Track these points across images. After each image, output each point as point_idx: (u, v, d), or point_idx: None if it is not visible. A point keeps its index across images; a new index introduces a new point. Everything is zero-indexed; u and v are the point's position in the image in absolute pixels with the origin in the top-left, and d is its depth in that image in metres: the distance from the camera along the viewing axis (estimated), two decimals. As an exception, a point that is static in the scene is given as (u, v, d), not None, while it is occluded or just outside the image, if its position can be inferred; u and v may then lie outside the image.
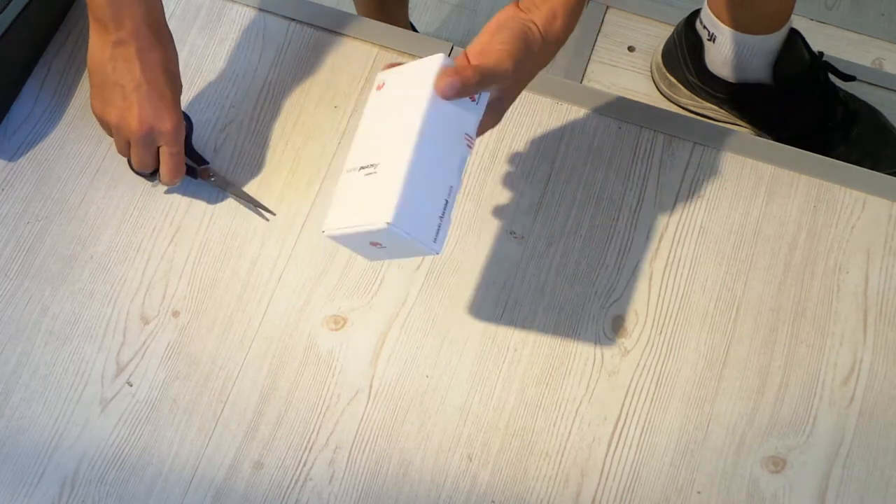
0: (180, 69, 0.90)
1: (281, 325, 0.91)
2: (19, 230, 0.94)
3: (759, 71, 1.16)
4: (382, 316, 0.91)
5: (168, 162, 0.91)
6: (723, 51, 1.16)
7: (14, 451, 0.87)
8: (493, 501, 0.86)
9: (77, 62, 1.01)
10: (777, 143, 0.99)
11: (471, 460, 0.87)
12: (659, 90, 1.27)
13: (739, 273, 0.93)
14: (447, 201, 0.73)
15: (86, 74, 1.00)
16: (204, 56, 1.01)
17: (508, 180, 0.96)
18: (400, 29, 1.03)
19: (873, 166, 1.10)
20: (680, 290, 0.92)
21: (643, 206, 0.95)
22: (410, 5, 1.47)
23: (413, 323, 0.91)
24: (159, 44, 0.87)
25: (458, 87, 0.72)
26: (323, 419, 0.88)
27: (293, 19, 1.02)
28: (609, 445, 0.87)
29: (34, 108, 0.99)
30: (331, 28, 1.02)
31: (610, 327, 0.91)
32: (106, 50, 0.86)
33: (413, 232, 0.70)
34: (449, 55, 1.00)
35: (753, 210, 0.95)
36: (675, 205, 0.95)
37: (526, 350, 0.90)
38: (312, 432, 0.88)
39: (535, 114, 0.98)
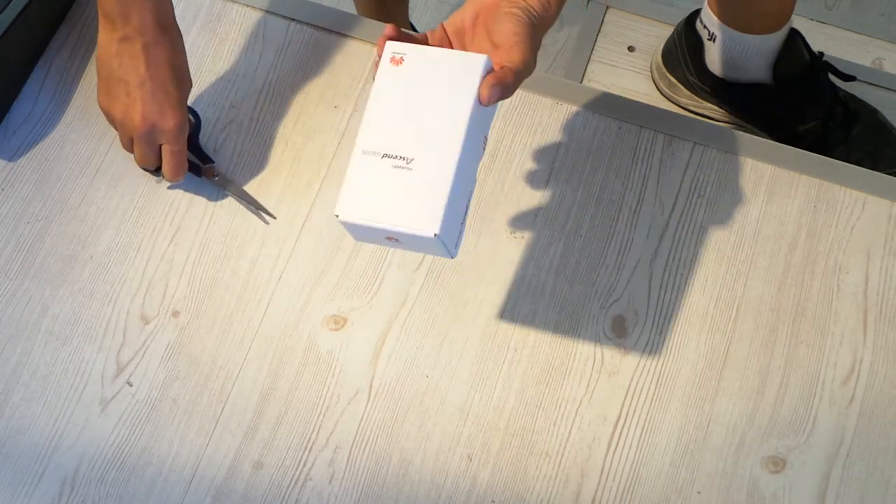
0: None
1: (281, 325, 0.91)
2: (19, 230, 0.94)
3: (760, 71, 1.16)
4: (382, 316, 0.91)
5: (170, 160, 0.91)
6: (723, 51, 1.16)
7: (14, 451, 0.87)
8: (493, 501, 0.86)
9: (77, 62, 1.01)
10: (777, 143, 0.99)
11: (471, 460, 0.87)
12: (659, 90, 1.27)
13: (739, 273, 0.93)
14: (467, 206, 0.73)
15: (86, 74, 1.00)
16: (204, 56, 1.01)
17: (508, 180, 0.96)
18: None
19: (873, 166, 1.10)
20: (680, 290, 0.92)
21: (643, 206, 0.95)
22: (410, 5, 1.47)
23: (413, 323, 0.91)
24: (166, 41, 0.87)
25: (500, 94, 0.70)
26: (323, 419, 0.88)
27: (293, 19, 1.02)
28: (609, 445, 0.87)
29: (34, 108, 0.99)
30: (331, 28, 1.02)
31: (610, 327, 0.91)
32: (113, 45, 0.86)
33: (447, 240, 0.70)
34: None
35: (753, 210, 0.95)
36: (675, 205, 0.95)
37: (526, 350, 0.90)
38: (312, 432, 0.88)
39: (535, 114, 0.98)
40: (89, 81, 1.00)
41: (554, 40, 1.32)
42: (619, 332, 0.91)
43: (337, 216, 0.71)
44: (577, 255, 0.93)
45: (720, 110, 1.23)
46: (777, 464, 0.87)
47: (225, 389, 0.89)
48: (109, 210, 0.95)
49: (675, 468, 0.87)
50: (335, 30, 1.02)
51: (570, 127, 0.98)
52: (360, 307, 0.91)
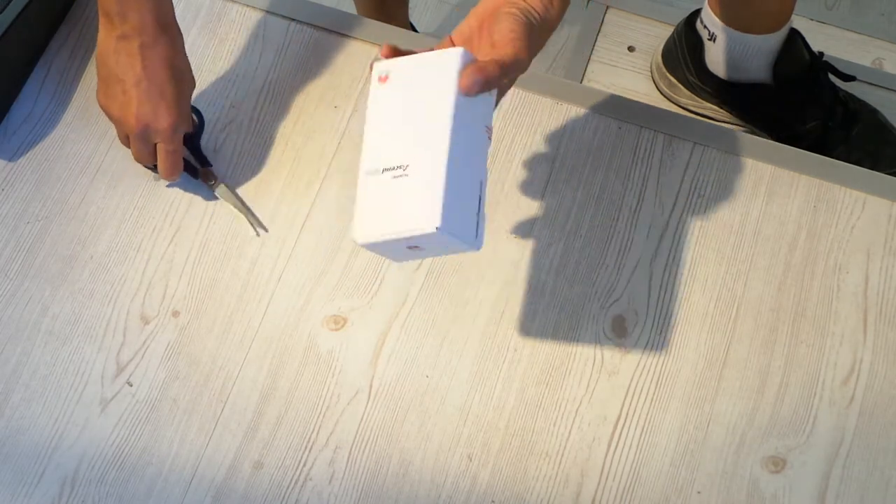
0: None
1: (281, 325, 0.91)
2: (19, 230, 0.94)
3: (760, 71, 1.16)
4: (382, 316, 0.91)
5: (164, 159, 0.90)
6: (723, 50, 1.16)
7: (14, 451, 0.87)
8: (493, 501, 0.86)
9: (77, 62, 1.01)
10: (777, 143, 0.99)
11: (471, 460, 0.87)
12: (659, 90, 1.27)
13: (739, 273, 0.93)
14: (480, 196, 0.73)
15: (86, 74, 1.00)
16: (204, 56, 1.01)
17: (508, 180, 0.96)
18: (400, 29, 1.04)
19: (873, 166, 1.10)
20: (680, 290, 0.92)
21: (643, 206, 0.95)
22: (410, 5, 1.47)
23: (413, 323, 0.91)
24: (164, 40, 0.87)
25: (483, 83, 0.71)
26: (323, 419, 0.88)
27: (293, 19, 1.02)
28: (609, 445, 0.87)
29: (34, 108, 0.99)
30: (331, 28, 1.02)
31: (610, 327, 0.91)
32: (111, 43, 0.87)
33: (458, 232, 0.70)
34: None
35: (753, 210, 0.95)
36: (675, 205, 0.95)
37: (526, 350, 0.90)
38: (312, 432, 0.88)
39: (535, 114, 0.98)
40: (89, 81, 1.00)
41: (554, 40, 1.32)
42: (619, 332, 0.90)
43: (356, 241, 0.72)
44: (577, 255, 0.93)
45: (720, 110, 1.23)
46: (777, 464, 0.87)
47: (225, 389, 0.89)
48: (109, 210, 0.95)
49: (675, 468, 0.87)
50: (335, 30, 1.02)
51: (570, 127, 0.98)
52: (360, 307, 0.91)
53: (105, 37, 0.87)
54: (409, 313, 0.91)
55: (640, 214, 0.94)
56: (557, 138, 0.97)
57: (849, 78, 1.19)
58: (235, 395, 0.89)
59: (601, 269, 0.93)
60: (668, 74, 1.25)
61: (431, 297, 0.92)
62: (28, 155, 0.97)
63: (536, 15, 0.74)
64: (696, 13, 1.19)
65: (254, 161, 0.97)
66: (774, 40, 1.13)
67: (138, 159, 0.92)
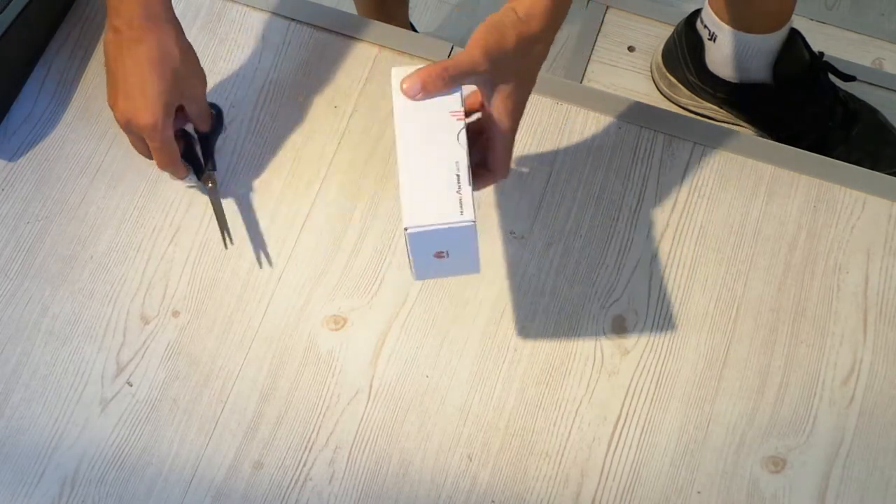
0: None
1: (281, 325, 0.91)
2: (19, 230, 0.94)
3: (760, 71, 1.16)
4: (382, 316, 0.91)
5: (154, 155, 0.90)
6: (723, 50, 1.16)
7: (14, 451, 0.87)
8: (493, 501, 0.86)
9: (77, 62, 1.01)
10: (777, 143, 0.99)
11: (471, 460, 0.87)
12: (659, 90, 1.27)
13: (739, 273, 0.93)
14: (458, 175, 0.73)
15: (86, 74, 1.01)
16: (204, 56, 1.01)
17: (508, 180, 0.95)
18: (400, 29, 1.03)
19: (873, 166, 1.10)
20: (680, 290, 0.92)
21: (643, 206, 0.95)
22: (410, 5, 1.47)
23: (413, 323, 0.91)
24: (151, 37, 0.85)
25: (419, 86, 0.73)
26: (323, 419, 0.88)
27: (293, 19, 1.02)
28: (609, 445, 0.87)
29: (34, 108, 0.99)
30: (331, 28, 1.02)
31: (610, 327, 0.91)
32: (108, 35, 0.87)
33: (434, 220, 0.71)
34: (449, 55, 1.00)
35: (753, 210, 0.95)
36: (675, 205, 0.95)
37: (526, 350, 0.90)
38: (312, 432, 0.88)
39: (535, 114, 0.98)
40: (89, 81, 1.00)
41: (554, 40, 1.32)
42: (619, 332, 0.90)
43: (406, 229, 0.73)
44: (577, 255, 0.93)
45: (720, 110, 1.23)
46: (777, 464, 0.87)
47: (225, 389, 0.89)
48: (109, 210, 0.95)
49: (675, 468, 0.87)
50: (335, 30, 1.02)
51: (569, 127, 0.98)
52: (360, 307, 0.91)
53: (107, 27, 0.88)
54: (409, 313, 0.91)
55: (640, 214, 0.94)
56: (557, 138, 0.97)
57: (849, 78, 1.19)
58: (235, 395, 0.89)
59: (601, 269, 0.93)
60: (668, 74, 1.25)
61: (431, 297, 0.92)
62: (28, 155, 0.97)
63: (514, 13, 0.74)
64: (697, 13, 1.19)
65: (253, 161, 0.97)
66: (774, 40, 1.13)
67: (136, 150, 0.92)
